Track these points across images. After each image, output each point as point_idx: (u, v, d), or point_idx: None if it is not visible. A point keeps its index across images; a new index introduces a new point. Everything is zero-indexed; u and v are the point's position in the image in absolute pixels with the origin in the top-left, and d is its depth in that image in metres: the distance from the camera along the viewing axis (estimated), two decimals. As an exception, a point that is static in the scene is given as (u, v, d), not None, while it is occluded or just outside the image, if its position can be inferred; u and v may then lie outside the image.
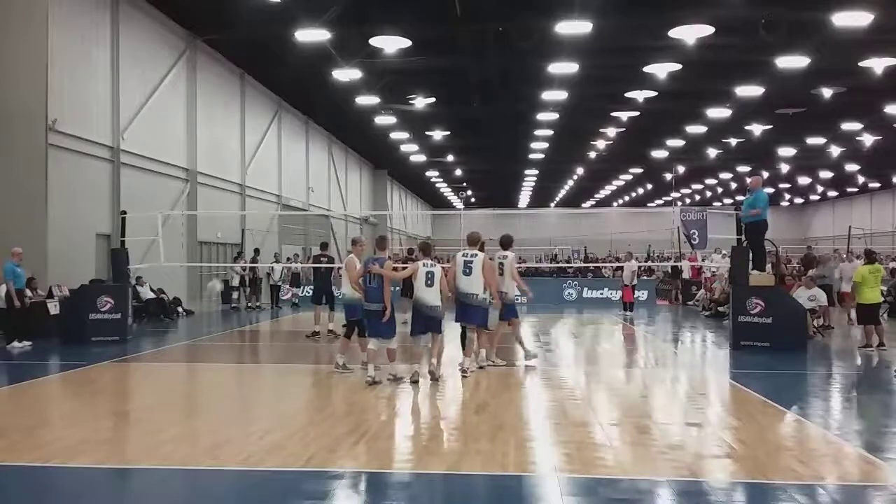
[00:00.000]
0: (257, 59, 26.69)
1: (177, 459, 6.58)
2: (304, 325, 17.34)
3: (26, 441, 7.11)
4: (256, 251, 25.59)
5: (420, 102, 29.86)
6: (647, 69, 23.71)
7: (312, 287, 16.99)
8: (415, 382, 9.98)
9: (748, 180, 15.18)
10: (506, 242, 12.00)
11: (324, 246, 16.79)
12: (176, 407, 9.30)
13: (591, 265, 34.52)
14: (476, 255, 10.77)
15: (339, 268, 15.79)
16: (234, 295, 25.06)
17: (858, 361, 12.89)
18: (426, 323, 10.27)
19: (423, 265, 10.30)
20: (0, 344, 14.25)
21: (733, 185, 57.80)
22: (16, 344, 14.02)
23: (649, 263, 30.05)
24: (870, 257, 14.51)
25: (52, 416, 8.71)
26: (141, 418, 8.39)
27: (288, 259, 27.33)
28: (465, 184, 59.75)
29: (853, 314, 16.15)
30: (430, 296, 10.13)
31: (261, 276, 25.51)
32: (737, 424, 7.96)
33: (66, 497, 5.92)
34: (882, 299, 21.83)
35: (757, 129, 34.70)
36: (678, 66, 23.19)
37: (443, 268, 10.65)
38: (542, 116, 32.16)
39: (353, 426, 7.59)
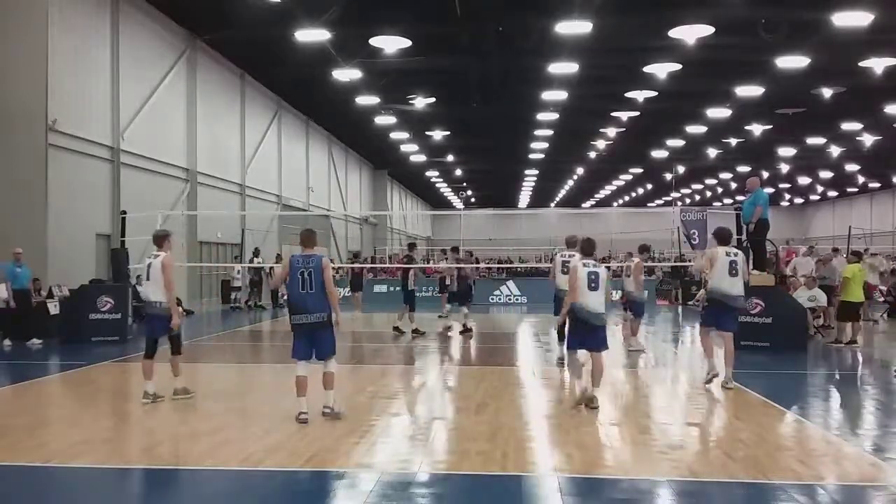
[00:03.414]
0: (257, 59, 26.71)
1: (177, 459, 6.58)
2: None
3: (26, 441, 7.11)
4: (256, 251, 25.55)
5: (420, 102, 29.87)
6: (647, 69, 23.71)
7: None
8: (593, 408, 8.32)
9: (748, 181, 15.22)
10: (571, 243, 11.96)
11: (411, 247, 19.30)
12: (175, 407, 9.29)
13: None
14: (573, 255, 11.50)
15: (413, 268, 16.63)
16: (234, 295, 25.07)
17: (858, 361, 12.90)
18: (589, 335, 8.57)
19: (584, 265, 8.63)
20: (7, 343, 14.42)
21: (733, 185, 57.78)
22: (7, 342, 14.31)
23: (674, 263, 29.73)
24: (859, 256, 14.93)
25: (52, 416, 8.71)
26: (141, 418, 8.38)
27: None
28: (465, 184, 59.74)
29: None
30: (594, 301, 8.48)
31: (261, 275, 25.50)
32: (737, 424, 7.96)
33: (66, 497, 5.93)
34: (882, 298, 22.04)
35: (757, 129, 34.71)
36: (678, 66, 23.19)
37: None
38: (542, 116, 32.17)
39: (353, 426, 7.58)
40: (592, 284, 8.48)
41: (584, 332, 8.56)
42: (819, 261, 18.23)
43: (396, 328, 16.23)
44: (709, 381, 9.83)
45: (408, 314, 16.30)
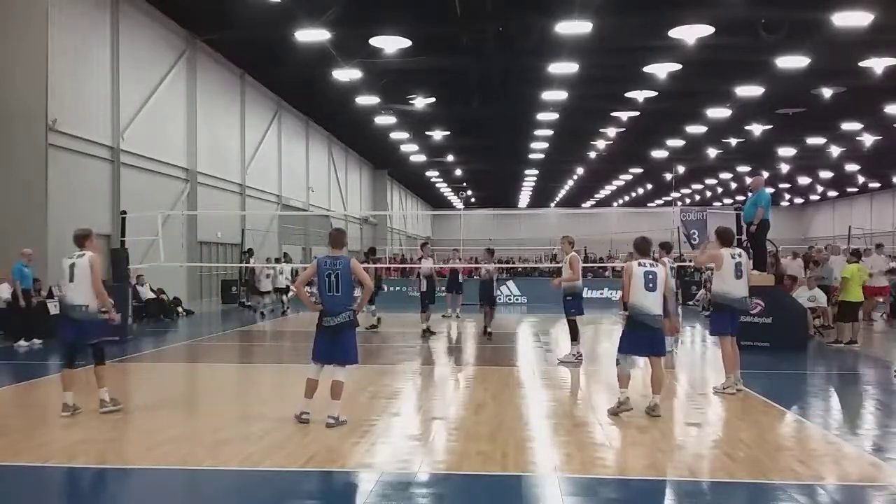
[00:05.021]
0: (257, 59, 26.71)
1: (177, 459, 6.58)
2: (304, 325, 17.32)
3: (26, 441, 7.12)
4: (250, 251, 25.30)
5: (420, 102, 29.87)
6: (647, 69, 23.71)
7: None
8: (656, 416, 7.99)
9: (749, 181, 15.24)
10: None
11: (372, 251, 20.44)
12: (176, 407, 9.29)
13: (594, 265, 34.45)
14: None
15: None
16: (267, 299, 22.72)
17: (858, 361, 12.90)
18: (650, 339, 8.15)
19: (640, 265, 8.22)
20: (2, 343, 14.38)
21: (733, 185, 57.81)
22: (22, 343, 14.27)
23: (673, 264, 29.50)
24: (858, 256, 14.88)
25: (52, 416, 8.70)
26: (141, 418, 8.37)
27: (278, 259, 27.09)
28: (465, 184, 59.73)
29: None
30: (651, 302, 8.11)
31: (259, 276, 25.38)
32: (737, 424, 7.96)
33: (66, 497, 5.93)
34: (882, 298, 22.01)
35: (757, 129, 34.71)
36: (678, 66, 23.19)
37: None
38: (542, 116, 32.17)
39: (353, 426, 7.57)
40: (650, 284, 8.08)
41: (644, 337, 8.13)
42: (815, 261, 18.19)
43: (426, 329, 16.34)
44: (725, 392, 9.39)
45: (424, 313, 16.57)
